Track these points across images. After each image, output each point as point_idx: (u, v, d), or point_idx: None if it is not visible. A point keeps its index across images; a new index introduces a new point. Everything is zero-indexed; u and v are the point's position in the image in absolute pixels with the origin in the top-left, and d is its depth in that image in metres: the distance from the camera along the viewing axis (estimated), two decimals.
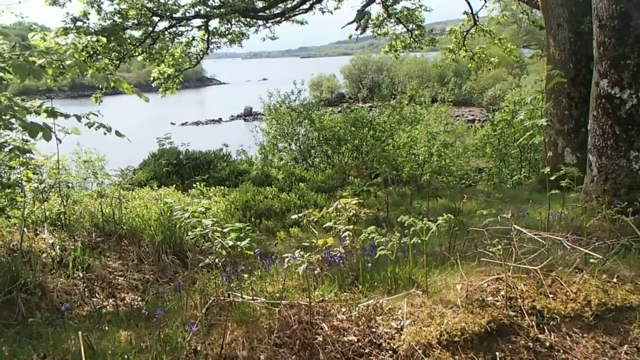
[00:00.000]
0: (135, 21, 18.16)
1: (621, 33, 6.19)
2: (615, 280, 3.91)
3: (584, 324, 3.62)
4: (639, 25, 6.08)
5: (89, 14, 17.41)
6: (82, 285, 5.95)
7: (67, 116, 5.06)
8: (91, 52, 16.55)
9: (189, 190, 12.91)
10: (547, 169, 5.05)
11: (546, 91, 11.24)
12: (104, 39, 7.29)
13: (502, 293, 3.82)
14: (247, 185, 14.31)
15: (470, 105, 63.70)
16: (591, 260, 3.96)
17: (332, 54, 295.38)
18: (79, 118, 5.17)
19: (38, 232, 6.87)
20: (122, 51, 18.79)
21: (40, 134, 4.43)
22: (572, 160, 10.98)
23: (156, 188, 12.39)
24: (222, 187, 14.15)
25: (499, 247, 3.83)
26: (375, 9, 22.95)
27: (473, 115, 56.36)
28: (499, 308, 3.71)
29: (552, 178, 5.05)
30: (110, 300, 5.91)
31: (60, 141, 5.53)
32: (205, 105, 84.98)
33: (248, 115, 66.33)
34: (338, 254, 4.42)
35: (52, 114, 4.88)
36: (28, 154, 6.26)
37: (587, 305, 3.69)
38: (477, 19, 23.18)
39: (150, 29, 18.95)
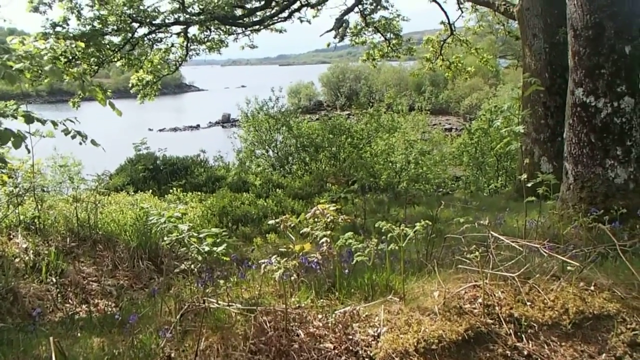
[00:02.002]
0: (115, 27, 18.05)
1: (595, 43, 6.25)
2: (592, 288, 3.90)
3: (561, 332, 3.60)
4: (613, 35, 6.15)
5: (69, 19, 17.31)
6: (55, 291, 5.85)
7: (43, 122, 4.99)
8: (70, 57, 16.41)
9: (166, 196, 12.82)
10: (524, 176, 5.06)
11: (523, 99, 11.34)
12: (82, 44, 7.19)
13: (480, 300, 3.80)
14: (224, 191, 14.25)
15: (447, 113, 64.16)
16: (568, 268, 3.95)
17: (310, 62, 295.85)
18: (55, 124, 5.10)
19: (12, 236, 6.76)
20: (101, 57, 18.68)
21: (11, 140, 4.36)
22: (548, 169, 11.06)
23: (132, 193, 12.29)
24: (199, 193, 14.11)
25: (477, 254, 3.81)
26: (354, 18, 23.10)
27: (450, 124, 56.75)
28: (477, 316, 3.69)
29: (529, 185, 5.06)
30: (84, 306, 5.82)
31: (29, 151, 5.43)
32: (183, 111, 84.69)
33: (226, 122, 66.27)
34: (315, 260, 4.38)
35: (29, 119, 4.81)
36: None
37: (565, 313, 3.68)
38: (454, 28, 23.38)
39: (130, 35, 18.85)
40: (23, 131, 4.62)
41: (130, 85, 21.24)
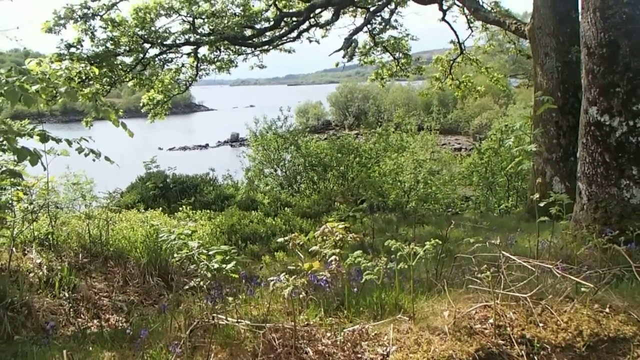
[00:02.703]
0: (127, 47, 18.23)
1: (610, 61, 6.19)
2: (607, 310, 3.84)
3: (575, 354, 3.55)
4: (628, 53, 6.09)
5: (83, 40, 17.54)
6: (68, 306, 5.91)
7: (58, 140, 5.06)
8: (83, 78, 16.58)
9: (175, 213, 12.84)
10: (536, 195, 5.01)
11: (534, 119, 11.29)
12: (96, 69, 7.27)
13: (491, 321, 3.76)
14: (232, 210, 14.25)
15: (456, 133, 64.21)
16: (582, 289, 3.90)
17: (319, 82, 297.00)
18: (69, 143, 5.18)
19: (26, 252, 6.84)
20: (114, 77, 18.87)
21: (28, 158, 4.43)
22: (560, 189, 10.98)
23: (143, 211, 12.32)
24: (208, 211, 14.13)
25: (487, 273, 3.77)
26: (362, 38, 23.22)
27: (459, 143, 56.74)
28: (488, 336, 3.65)
29: (542, 204, 5.01)
30: (95, 321, 5.87)
31: (45, 168, 5.48)
32: (192, 131, 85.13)
33: (235, 141, 66.56)
34: (324, 278, 4.35)
35: (44, 137, 4.87)
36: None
37: (579, 335, 3.62)
38: (463, 47, 23.38)
39: (141, 55, 19.01)
40: (39, 150, 4.68)
41: (141, 104, 21.41)
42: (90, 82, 17.63)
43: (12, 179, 6.55)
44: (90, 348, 4.29)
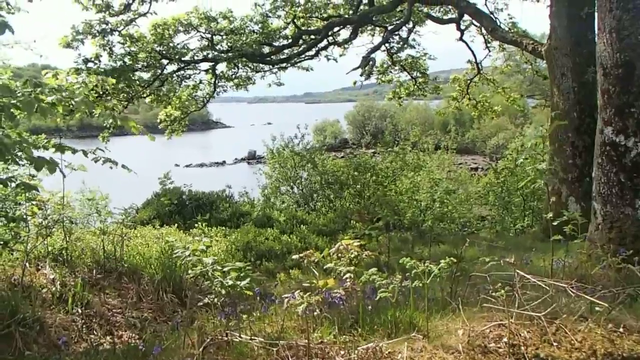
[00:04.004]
0: (145, 63, 18.41)
1: (625, 81, 6.20)
2: (621, 329, 3.83)
3: None
4: None
5: (101, 56, 17.75)
6: (80, 322, 5.89)
7: (74, 151, 5.12)
8: (101, 92, 16.75)
9: (191, 230, 12.85)
10: (550, 214, 5.00)
11: (551, 139, 11.26)
12: (113, 80, 7.35)
13: (505, 340, 3.75)
14: (248, 227, 14.26)
15: (473, 153, 64.06)
16: (597, 309, 3.89)
17: (336, 100, 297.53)
18: (85, 153, 5.26)
19: (40, 267, 6.83)
20: (131, 92, 19.04)
21: (45, 167, 4.47)
22: (576, 209, 10.90)
23: (158, 227, 12.35)
24: (224, 228, 14.12)
25: (502, 292, 3.76)
26: (380, 57, 23.31)
27: (476, 163, 56.61)
28: (502, 355, 3.64)
29: (556, 223, 5.00)
30: (108, 338, 5.83)
31: (65, 175, 5.54)
32: (209, 147, 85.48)
33: (252, 158, 66.80)
34: (338, 296, 4.36)
35: (60, 148, 4.94)
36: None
37: (593, 354, 3.60)
38: (481, 67, 23.39)
39: (159, 71, 19.18)
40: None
41: (158, 120, 21.56)
42: (108, 98, 17.80)
43: (27, 194, 6.63)
44: None
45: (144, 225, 12.97)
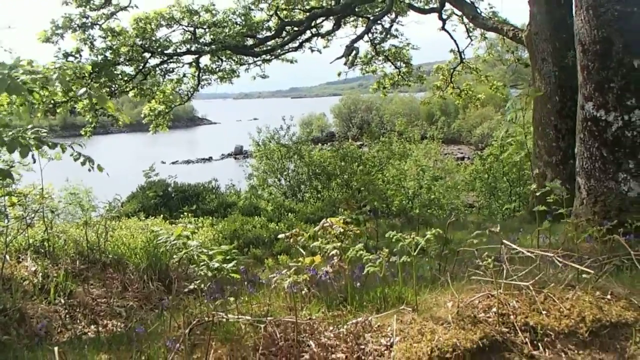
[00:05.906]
0: (127, 57, 18.23)
1: (604, 57, 6.23)
2: (609, 297, 3.82)
3: (579, 340, 3.52)
4: (621, 49, 6.13)
5: (82, 50, 17.53)
6: (64, 312, 5.80)
7: (53, 145, 5.00)
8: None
9: (177, 221, 12.77)
10: (534, 186, 5.02)
11: (534, 122, 11.30)
12: (88, 67, 7.19)
13: (494, 309, 3.73)
14: (235, 215, 14.22)
15: (459, 143, 64.24)
16: (584, 276, 3.89)
17: (322, 94, 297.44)
18: (64, 148, 5.13)
19: (21, 259, 6.71)
20: (113, 87, 18.83)
21: (18, 150, 4.37)
22: (561, 190, 10.95)
23: (143, 218, 12.25)
24: (210, 218, 14.07)
25: (489, 260, 3.75)
26: (364, 47, 23.39)
27: (462, 152, 56.80)
28: (491, 324, 3.62)
29: (538, 193, 5.02)
30: (92, 327, 5.76)
31: (35, 161, 5.40)
32: (196, 144, 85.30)
33: (239, 154, 66.70)
34: (325, 272, 4.32)
35: (39, 141, 4.82)
36: (8, 179, 6.15)
37: (582, 321, 3.60)
38: (463, 56, 23.48)
39: (142, 65, 19.01)
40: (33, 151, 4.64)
41: (142, 115, 21.37)
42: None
43: (5, 185, 6.50)
44: (86, 351, 4.22)
45: (129, 217, 12.87)
